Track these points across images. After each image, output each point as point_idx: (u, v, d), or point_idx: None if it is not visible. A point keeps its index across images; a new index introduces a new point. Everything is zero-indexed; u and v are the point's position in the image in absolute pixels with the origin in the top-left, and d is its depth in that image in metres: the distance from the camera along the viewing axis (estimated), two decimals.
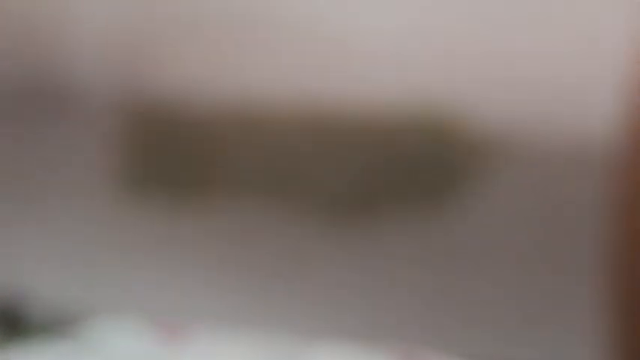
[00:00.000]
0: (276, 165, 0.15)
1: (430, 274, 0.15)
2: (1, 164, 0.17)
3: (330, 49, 0.15)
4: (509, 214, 0.14)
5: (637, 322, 0.15)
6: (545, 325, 0.15)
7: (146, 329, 0.45)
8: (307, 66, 0.15)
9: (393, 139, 0.15)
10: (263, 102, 0.15)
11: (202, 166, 0.16)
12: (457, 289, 0.15)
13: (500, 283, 0.15)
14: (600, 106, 0.14)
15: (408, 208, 0.15)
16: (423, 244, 0.15)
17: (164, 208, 0.16)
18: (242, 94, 0.16)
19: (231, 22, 0.16)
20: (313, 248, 0.15)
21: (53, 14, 0.17)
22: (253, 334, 0.17)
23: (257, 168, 0.15)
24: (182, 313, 0.17)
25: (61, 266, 0.18)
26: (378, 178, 0.15)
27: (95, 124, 0.16)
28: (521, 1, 0.15)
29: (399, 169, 0.15)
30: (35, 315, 0.46)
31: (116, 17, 0.17)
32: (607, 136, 0.14)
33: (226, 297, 0.17)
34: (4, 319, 0.46)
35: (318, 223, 0.15)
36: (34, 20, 0.17)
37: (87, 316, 0.44)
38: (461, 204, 0.15)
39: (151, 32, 0.16)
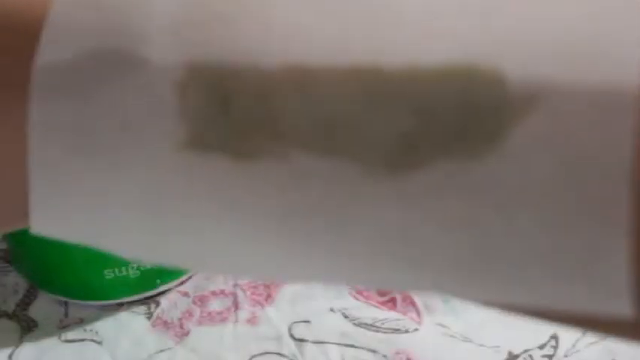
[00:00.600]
0: (327, 118, 0.16)
1: (468, 210, 0.16)
2: (71, 120, 0.18)
3: (375, 11, 0.17)
4: (545, 162, 0.15)
5: None
6: (580, 274, 0.15)
7: (147, 328, 0.45)
8: (353, 28, 0.17)
9: (438, 93, 0.16)
10: (318, 65, 0.16)
11: (259, 123, 0.17)
12: (498, 229, 0.16)
13: (532, 219, 0.15)
14: (626, 54, 0.15)
15: (449, 152, 0.16)
16: (461, 185, 0.16)
17: (224, 167, 0.17)
18: (300, 57, 0.17)
19: None
20: (363, 193, 0.16)
21: None
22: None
23: (308, 122, 0.16)
24: (244, 263, 0.18)
25: (129, 218, 0.18)
26: (422, 129, 0.16)
27: (158, 88, 0.17)
28: None
29: (442, 121, 0.16)
30: (44, 314, 0.47)
31: None
32: (633, 80, 0.14)
33: (283, 247, 0.17)
34: (15, 318, 0.47)
35: (366, 167, 0.16)
36: None
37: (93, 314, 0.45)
38: (499, 152, 0.15)
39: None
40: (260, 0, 0.17)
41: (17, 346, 0.44)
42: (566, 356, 0.43)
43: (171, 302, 0.46)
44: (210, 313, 0.46)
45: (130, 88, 0.17)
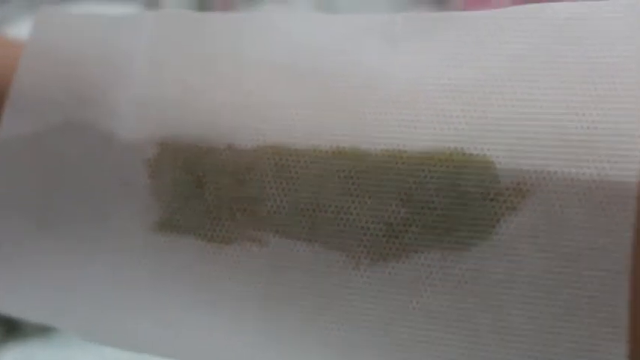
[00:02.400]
0: (309, 203, 0.16)
1: (455, 303, 0.15)
2: (35, 197, 0.17)
3: (365, 96, 0.16)
4: (536, 255, 0.15)
5: None
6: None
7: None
8: (344, 112, 0.16)
9: (424, 180, 0.15)
10: (298, 146, 0.16)
11: (235, 205, 0.16)
12: (481, 318, 0.15)
13: (522, 315, 0.15)
14: (629, 150, 0.14)
15: (436, 242, 0.15)
16: (448, 276, 0.15)
17: (197, 250, 0.16)
18: (278, 135, 0.16)
19: (273, 67, 0.16)
20: (345, 282, 0.16)
21: (99, 61, 0.17)
22: None
23: (289, 206, 0.16)
24: (217, 349, 0.17)
25: (89, 302, 0.17)
26: (407, 215, 0.15)
27: (129, 165, 0.16)
28: (546, 53, 0.15)
29: (429, 210, 0.15)
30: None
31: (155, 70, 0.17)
32: (632, 181, 0.14)
33: (257, 339, 0.17)
34: (3, 319, 0.46)
35: (349, 256, 0.16)
36: (81, 66, 0.17)
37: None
38: (488, 242, 0.15)
39: (188, 79, 0.17)
40: (236, 76, 0.16)
41: (0, 348, 0.44)
42: None
43: None
44: None
45: (97, 165, 0.16)
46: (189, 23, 0.17)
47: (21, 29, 0.43)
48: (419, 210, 0.15)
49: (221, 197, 0.16)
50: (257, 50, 0.17)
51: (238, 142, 0.16)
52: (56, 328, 0.44)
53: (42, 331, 0.44)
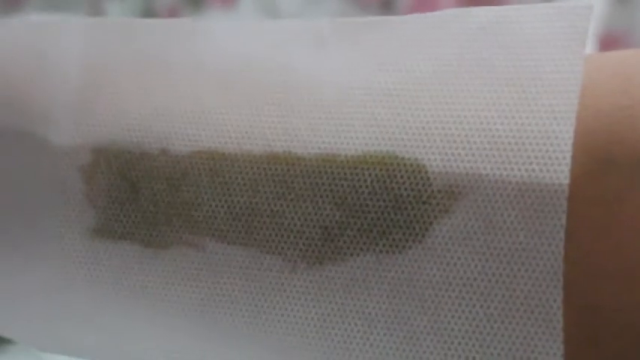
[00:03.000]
0: (244, 208, 0.16)
1: (391, 306, 0.15)
2: None
3: (296, 101, 0.16)
4: (469, 257, 0.15)
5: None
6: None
7: None
8: (275, 117, 0.16)
9: (358, 184, 0.15)
10: (232, 151, 0.16)
11: (171, 210, 0.16)
12: (418, 320, 0.15)
13: (458, 317, 0.15)
14: (559, 152, 0.14)
15: (371, 245, 0.15)
16: (383, 279, 0.15)
17: (134, 255, 0.16)
18: (212, 141, 0.16)
19: (205, 72, 0.16)
20: (282, 285, 0.16)
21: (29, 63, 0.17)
22: None
23: (225, 211, 0.16)
24: (148, 357, 0.17)
25: (30, 311, 0.17)
26: (342, 218, 0.15)
27: (63, 171, 0.16)
28: (473, 56, 0.15)
29: (363, 213, 0.15)
30: None
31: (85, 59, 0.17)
32: (564, 176, 0.14)
33: (196, 343, 0.17)
34: None
35: (285, 259, 0.16)
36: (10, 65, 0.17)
37: None
38: (421, 245, 0.15)
39: (119, 74, 0.17)
40: (168, 81, 0.16)
41: None
42: None
43: None
44: None
45: (31, 172, 0.16)
46: (121, 29, 0.17)
47: None
48: (353, 214, 0.15)
49: (157, 202, 0.16)
50: (189, 56, 0.17)
51: (172, 147, 0.16)
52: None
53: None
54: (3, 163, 0.16)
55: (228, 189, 0.16)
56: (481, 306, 0.15)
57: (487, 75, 0.15)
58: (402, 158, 0.15)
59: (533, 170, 0.14)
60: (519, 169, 0.14)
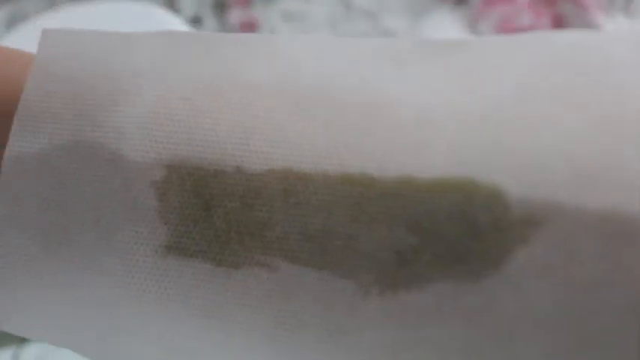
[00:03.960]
0: (318, 229, 0.15)
1: (465, 336, 0.15)
2: (41, 217, 0.17)
3: (373, 121, 0.15)
4: (546, 287, 0.14)
5: None
6: None
7: None
8: (352, 137, 0.15)
9: (435, 208, 0.15)
10: (307, 171, 0.15)
11: (244, 229, 0.16)
12: (490, 350, 0.15)
13: (532, 349, 0.14)
14: (634, 182, 0.14)
15: (446, 272, 0.15)
16: (458, 308, 0.15)
17: (205, 274, 0.16)
18: (287, 159, 0.15)
19: (281, 90, 0.16)
20: (354, 309, 0.15)
21: (108, 86, 0.17)
22: None
23: (298, 232, 0.15)
24: None
25: (96, 324, 0.17)
26: (418, 247, 0.15)
27: (136, 187, 0.16)
28: (554, 80, 0.15)
29: (439, 239, 0.15)
30: None
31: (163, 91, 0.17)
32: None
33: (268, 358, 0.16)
34: None
35: (359, 283, 0.15)
36: (89, 88, 0.17)
37: None
38: (498, 273, 0.14)
39: (199, 103, 0.16)
40: (244, 98, 0.16)
41: (21, 346, 0.44)
42: None
43: None
44: None
45: (104, 186, 0.16)
46: (196, 44, 0.17)
47: (37, 26, 0.43)
48: (429, 239, 0.15)
49: (229, 221, 0.16)
50: (265, 73, 0.16)
51: (247, 165, 0.16)
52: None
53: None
54: (77, 175, 0.16)
55: (302, 209, 0.15)
56: (555, 338, 0.14)
57: (568, 100, 0.15)
58: (481, 183, 0.15)
59: (615, 199, 0.14)
60: (600, 198, 0.14)
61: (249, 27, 0.50)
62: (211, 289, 0.16)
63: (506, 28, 0.49)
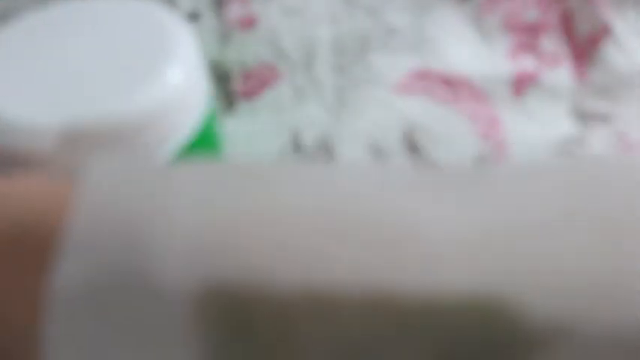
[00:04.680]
0: (347, 351, 0.16)
1: None
2: (88, 341, 0.17)
3: (398, 240, 0.16)
4: None
5: None
6: None
7: None
8: (375, 256, 0.16)
9: (456, 325, 0.15)
10: (334, 291, 0.16)
11: (279, 352, 0.16)
12: None
13: None
14: None
15: None
16: None
17: None
18: (314, 283, 0.16)
19: (318, 216, 0.17)
20: None
21: (147, 211, 0.18)
22: None
23: (330, 354, 0.16)
24: None
25: None
26: None
27: (176, 317, 0.17)
28: (574, 206, 0.16)
29: (462, 353, 0.15)
30: None
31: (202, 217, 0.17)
32: None
33: None
34: None
35: None
36: (128, 215, 0.18)
37: None
38: None
39: (232, 228, 0.17)
40: (277, 224, 0.17)
41: None
42: None
43: None
44: None
45: (146, 313, 0.17)
46: (231, 174, 0.18)
47: (29, 22, 0.42)
48: (449, 358, 0.15)
49: (265, 345, 0.16)
50: (296, 199, 0.17)
51: (281, 289, 0.16)
52: None
53: None
54: (121, 304, 0.17)
55: (332, 332, 0.16)
56: None
57: (589, 221, 0.16)
58: (503, 304, 0.15)
59: (627, 318, 0.14)
60: (617, 319, 0.15)
61: (249, 22, 0.49)
62: None
63: (512, 23, 0.48)
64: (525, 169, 0.17)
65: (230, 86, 0.47)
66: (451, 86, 0.46)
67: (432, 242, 0.16)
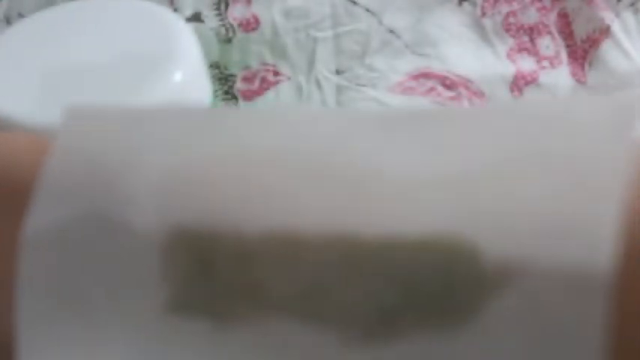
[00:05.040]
0: (310, 289, 0.16)
1: None
2: (62, 282, 0.18)
3: (360, 181, 0.17)
4: (518, 338, 0.15)
5: None
6: None
7: None
8: (338, 196, 0.17)
9: (417, 264, 0.16)
10: (296, 231, 0.16)
11: (242, 289, 0.17)
12: None
13: None
14: (600, 236, 0.15)
15: (424, 328, 0.16)
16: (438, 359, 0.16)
17: (204, 333, 0.17)
18: (282, 226, 0.17)
19: (278, 159, 0.18)
20: None
21: (118, 157, 0.18)
22: None
23: (290, 292, 0.16)
24: None
25: None
26: (400, 301, 0.16)
27: (144, 252, 0.17)
28: (531, 146, 0.16)
29: (420, 294, 0.16)
30: None
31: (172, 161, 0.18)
32: (607, 263, 0.15)
33: None
34: None
35: (344, 336, 0.16)
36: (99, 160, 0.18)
37: None
38: (473, 326, 0.15)
39: (202, 171, 0.18)
40: (242, 166, 0.17)
41: None
42: None
43: None
44: None
45: (116, 253, 0.17)
46: (205, 118, 0.19)
47: (31, 22, 0.42)
48: (410, 296, 0.16)
49: (227, 282, 0.17)
50: (264, 143, 0.18)
51: (243, 229, 0.17)
52: None
53: None
54: (91, 244, 0.18)
55: (294, 269, 0.16)
56: None
57: (541, 161, 0.16)
58: (460, 242, 0.16)
59: (578, 255, 0.15)
60: (565, 255, 0.15)
61: (250, 24, 0.49)
62: (210, 346, 0.17)
63: (512, 25, 0.48)
64: (486, 111, 0.18)
65: (231, 87, 0.47)
66: (451, 87, 0.46)
67: (393, 183, 0.17)
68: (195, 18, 0.50)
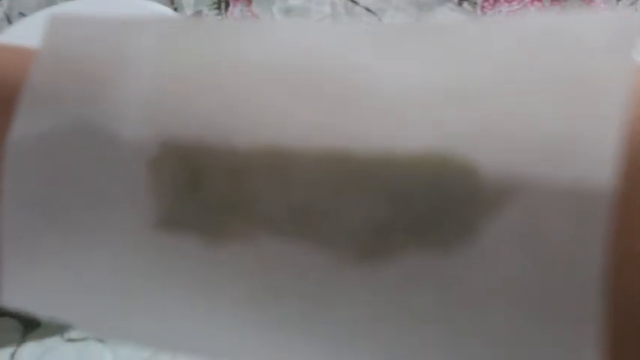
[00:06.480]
0: (300, 204, 0.16)
1: (438, 305, 0.15)
2: (46, 193, 0.17)
3: (352, 96, 0.16)
4: (517, 260, 0.15)
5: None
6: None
7: None
8: (329, 111, 0.16)
9: (411, 179, 0.15)
10: (291, 147, 0.16)
11: (231, 203, 0.16)
12: (463, 319, 0.15)
13: (500, 317, 0.15)
14: (602, 155, 0.14)
15: (420, 244, 0.15)
16: (431, 279, 0.15)
17: (193, 247, 0.16)
18: (272, 139, 0.16)
19: (269, 70, 0.17)
20: (333, 281, 0.16)
21: (107, 62, 0.18)
22: None
23: (281, 207, 0.16)
24: (214, 346, 0.18)
25: (93, 295, 0.18)
26: (395, 217, 0.15)
27: (132, 165, 0.17)
28: (530, 60, 0.16)
29: (415, 210, 0.15)
30: None
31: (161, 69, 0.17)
32: (608, 182, 0.14)
33: (253, 333, 0.17)
34: (17, 316, 0.46)
35: (338, 255, 0.16)
36: (88, 65, 0.18)
37: None
38: (471, 246, 0.15)
39: (192, 81, 0.17)
40: (234, 78, 0.17)
41: (20, 345, 0.43)
42: None
43: None
44: None
45: (103, 164, 0.17)
46: (195, 29, 0.18)
47: (37, 20, 0.42)
48: (404, 212, 0.15)
49: (217, 195, 0.16)
50: (255, 54, 0.17)
51: (235, 143, 0.16)
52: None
53: (60, 328, 0.44)
54: (78, 154, 0.17)
55: (285, 184, 0.16)
56: (523, 307, 0.15)
57: (542, 78, 0.15)
58: (456, 159, 0.15)
59: (579, 173, 0.14)
60: (568, 173, 0.14)
61: None
62: (199, 261, 0.16)
63: None
64: (487, 25, 0.17)
65: None
66: None
67: (386, 98, 0.16)
68: (197, 17, 0.50)
